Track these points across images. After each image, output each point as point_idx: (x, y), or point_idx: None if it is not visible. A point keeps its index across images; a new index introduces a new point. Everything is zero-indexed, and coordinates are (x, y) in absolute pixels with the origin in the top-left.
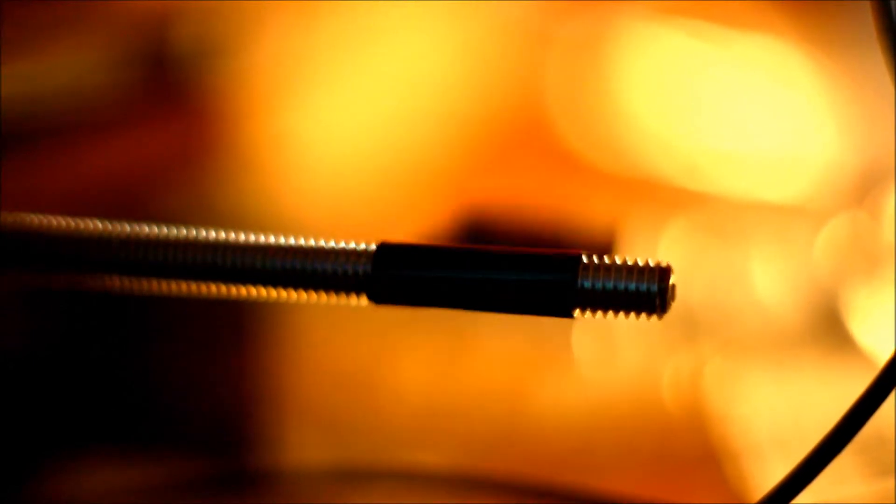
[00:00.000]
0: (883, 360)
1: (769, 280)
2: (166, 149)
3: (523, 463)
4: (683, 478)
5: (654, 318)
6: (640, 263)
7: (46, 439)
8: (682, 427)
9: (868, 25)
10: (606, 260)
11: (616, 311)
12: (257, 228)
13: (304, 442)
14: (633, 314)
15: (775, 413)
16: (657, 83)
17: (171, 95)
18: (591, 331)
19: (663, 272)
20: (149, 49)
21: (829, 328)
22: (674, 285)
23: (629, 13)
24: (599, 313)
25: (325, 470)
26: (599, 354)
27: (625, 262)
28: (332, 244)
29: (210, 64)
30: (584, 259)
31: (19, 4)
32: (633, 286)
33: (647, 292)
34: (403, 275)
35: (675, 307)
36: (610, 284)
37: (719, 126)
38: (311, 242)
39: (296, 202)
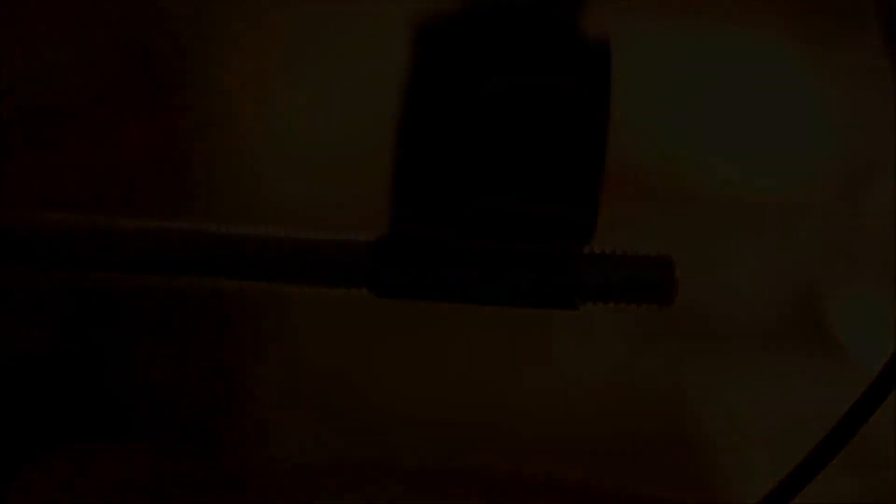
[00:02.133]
0: (863, 358)
1: (749, 275)
2: (156, 145)
3: (505, 455)
4: (659, 471)
5: (661, 309)
6: (644, 255)
7: (34, 437)
8: (659, 421)
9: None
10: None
11: (621, 302)
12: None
13: (291, 439)
14: (638, 305)
15: (752, 407)
16: (640, 76)
17: (156, 91)
18: (570, 325)
19: (668, 263)
20: (131, 44)
21: (808, 324)
22: (678, 276)
23: (616, 8)
24: (604, 304)
25: (311, 466)
26: (579, 349)
27: (629, 253)
28: (332, 236)
29: (195, 59)
30: (589, 251)
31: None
32: (638, 277)
33: (653, 283)
34: (404, 267)
35: None
36: (615, 276)
37: (701, 120)
38: (312, 235)
39: (282, 196)
